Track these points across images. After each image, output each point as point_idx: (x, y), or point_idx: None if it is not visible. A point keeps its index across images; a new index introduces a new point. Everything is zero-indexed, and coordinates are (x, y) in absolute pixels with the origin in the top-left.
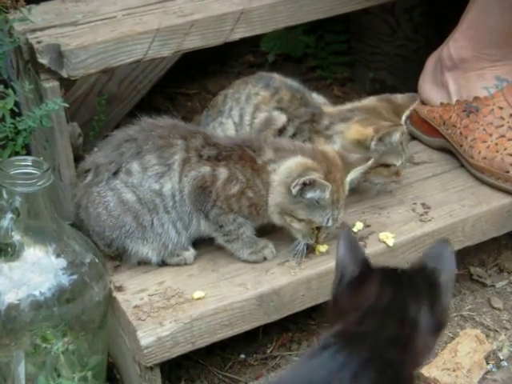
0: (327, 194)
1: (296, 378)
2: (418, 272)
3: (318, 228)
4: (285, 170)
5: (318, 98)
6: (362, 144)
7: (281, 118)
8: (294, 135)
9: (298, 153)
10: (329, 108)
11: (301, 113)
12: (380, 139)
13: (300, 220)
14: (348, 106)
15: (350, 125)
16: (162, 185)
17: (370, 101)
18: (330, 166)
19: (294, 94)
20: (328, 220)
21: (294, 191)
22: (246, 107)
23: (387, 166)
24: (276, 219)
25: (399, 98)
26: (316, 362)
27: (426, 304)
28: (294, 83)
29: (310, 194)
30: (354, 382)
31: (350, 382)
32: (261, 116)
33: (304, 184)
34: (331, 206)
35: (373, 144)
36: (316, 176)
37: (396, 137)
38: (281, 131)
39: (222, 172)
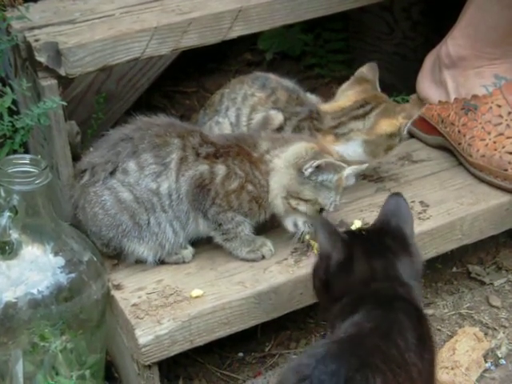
0: (339, 176)
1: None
2: (387, 233)
3: (321, 211)
4: (293, 153)
5: (312, 98)
6: (394, 135)
7: (278, 117)
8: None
9: (297, 139)
10: (325, 106)
11: (298, 111)
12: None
13: (306, 201)
14: (342, 102)
15: (377, 120)
16: (158, 184)
17: (356, 89)
18: (323, 147)
19: (290, 95)
20: (331, 204)
21: (307, 173)
22: (243, 108)
23: None
24: (278, 205)
25: (364, 71)
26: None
27: (406, 261)
28: (289, 83)
29: (322, 176)
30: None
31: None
32: (257, 116)
33: (317, 166)
34: (336, 190)
35: (406, 130)
36: (331, 158)
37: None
38: (278, 130)
39: (221, 168)
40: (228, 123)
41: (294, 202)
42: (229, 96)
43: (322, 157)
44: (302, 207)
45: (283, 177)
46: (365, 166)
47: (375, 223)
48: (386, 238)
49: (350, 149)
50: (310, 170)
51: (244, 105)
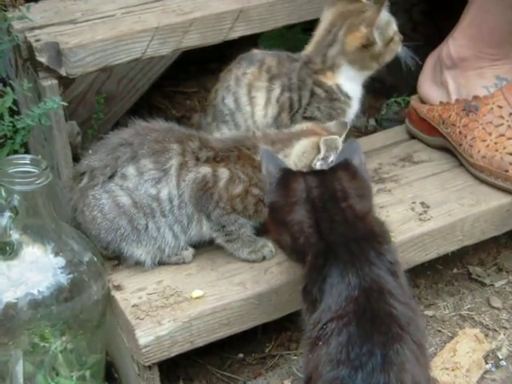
0: (340, 143)
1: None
2: (334, 166)
3: None
4: (298, 154)
5: (295, 54)
6: (367, 45)
7: (275, 93)
8: (299, 89)
9: (297, 137)
10: (307, 47)
11: (293, 66)
12: (377, 27)
13: None
14: (316, 36)
15: (346, 39)
16: (158, 190)
17: (326, 15)
18: (321, 135)
19: (279, 57)
20: None
21: (319, 165)
22: (239, 90)
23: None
24: None
25: None
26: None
27: (352, 187)
28: (274, 51)
29: (331, 158)
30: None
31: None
32: (259, 102)
33: (323, 158)
34: None
35: (376, 36)
36: (325, 137)
37: (385, 14)
38: (284, 102)
39: (224, 172)
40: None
41: None
42: (222, 87)
43: (323, 145)
44: None
45: None
46: (348, 127)
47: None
48: (331, 169)
49: (346, 75)
50: (320, 163)
51: (239, 86)
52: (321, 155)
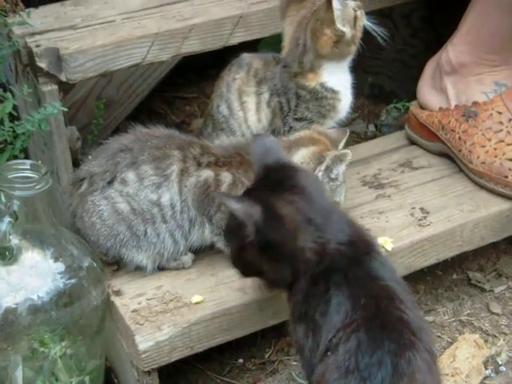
0: (346, 162)
1: None
2: (275, 171)
3: None
4: (297, 161)
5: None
6: (339, 41)
7: (264, 97)
8: (285, 93)
9: (296, 145)
10: (283, 52)
11: (275, 70)
12: (338, 20)
13: None
14: (286, 44)
15: (316, 46)
16: (159, 195)
17: (286, 30)
18: (321, 144)
19: (265, 60)
20: (344, 197)
21: (320, 178)
22: (230, 95)
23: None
24: None
25: None
26: None
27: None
28: (262, 54)
29: (332, 173)
30: None
31: None
32: (251, 107)
33: (326, 167)
34: (344, 182)
35: (342, 27)
36: (332, 152)
37: (335, 2)
38: (275, 106)
39: (227, 176)
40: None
41: None
42: (216, 95)
43: (323, 157)
44: None
45: None
46: (347, 134)
47: (257, 174)
48: (278, 177)
49: (329, 71)
50: (321, 174)
51: (230, 92)
52: (323, 166)
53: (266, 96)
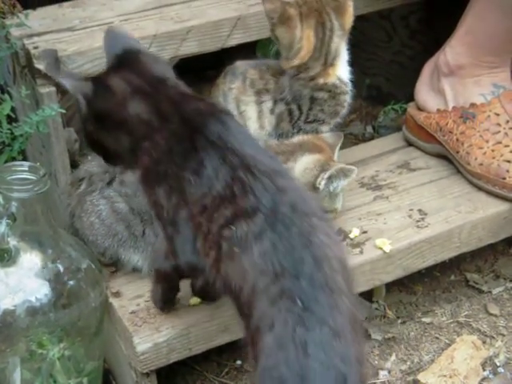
0: (350, 178)
1: None
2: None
3: None
4: (300, 171)
5: (275, 62)
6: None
7: (267, 106)
8: (296, 100)
9: (300, 150)
10: (295, 61)
11: (281, 82)
12: None
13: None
14: (305, 45)
15: (342, 21)
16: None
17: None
18: (326, 153)
19: (259, 69)
20: (341, 205)
21: (322, 185)
22: (228, 105)
23: None
24: None
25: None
26: None
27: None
28: (255, 60)
29: (334, 184)
30: None
31: None
32: (250, 115)
33: (329, 177)
34: (343, 190)
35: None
36: (339, 164)
37: None
38: (281, 112)
39: None
40: None
41: None
42: None
43: (329, 165)
44: None
45: None
46: (342, 138)
47: (107, 64)
48: (120, 60)
49: (342, 58)
50: (323, 183)
51: (227, 101)
52: (326, 175)
53: (268, 105)
